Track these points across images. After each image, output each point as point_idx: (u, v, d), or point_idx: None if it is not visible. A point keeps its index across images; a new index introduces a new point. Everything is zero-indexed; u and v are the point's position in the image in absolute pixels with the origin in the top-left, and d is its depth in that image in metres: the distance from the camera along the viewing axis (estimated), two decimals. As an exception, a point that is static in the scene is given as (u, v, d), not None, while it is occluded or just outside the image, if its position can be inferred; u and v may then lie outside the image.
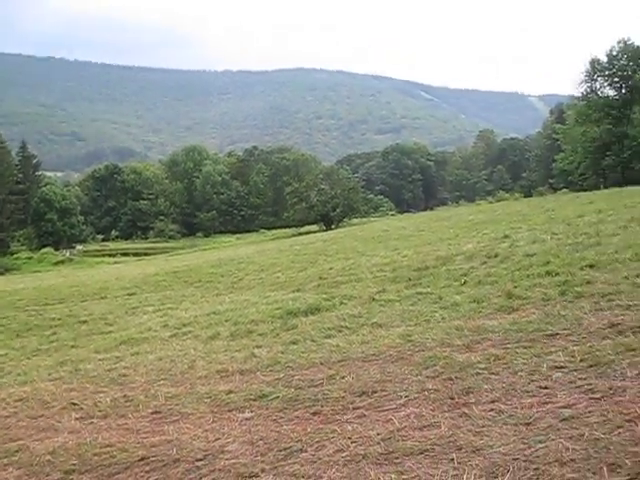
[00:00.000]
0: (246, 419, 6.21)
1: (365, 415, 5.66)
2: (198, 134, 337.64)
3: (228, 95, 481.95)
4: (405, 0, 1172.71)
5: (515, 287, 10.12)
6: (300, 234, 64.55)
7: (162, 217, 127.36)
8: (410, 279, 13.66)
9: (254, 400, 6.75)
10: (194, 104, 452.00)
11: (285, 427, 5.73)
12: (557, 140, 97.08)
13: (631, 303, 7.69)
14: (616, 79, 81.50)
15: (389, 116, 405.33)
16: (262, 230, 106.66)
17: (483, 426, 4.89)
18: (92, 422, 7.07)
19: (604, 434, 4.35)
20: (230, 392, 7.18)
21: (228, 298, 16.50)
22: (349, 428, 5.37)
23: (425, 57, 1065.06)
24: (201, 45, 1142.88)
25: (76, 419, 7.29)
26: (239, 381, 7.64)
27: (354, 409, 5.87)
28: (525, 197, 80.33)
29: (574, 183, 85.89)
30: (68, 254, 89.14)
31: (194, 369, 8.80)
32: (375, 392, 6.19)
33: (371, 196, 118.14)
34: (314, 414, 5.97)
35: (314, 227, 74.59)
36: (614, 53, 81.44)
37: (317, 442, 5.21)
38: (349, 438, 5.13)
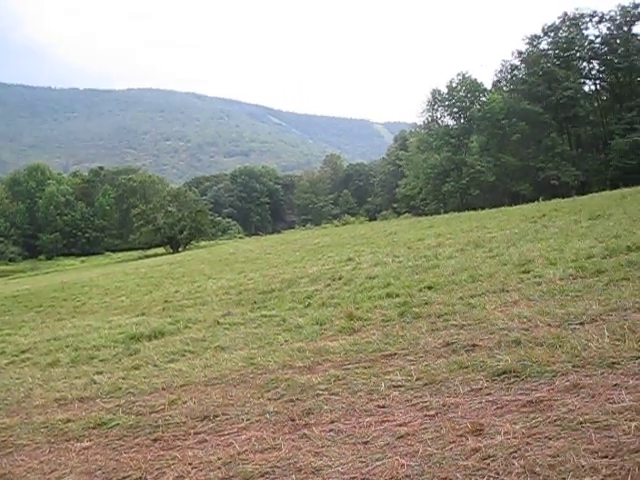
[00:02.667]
0: (84, 448, 6.01)
1: (206, 440, 5.60)
2: (43, 152, 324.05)
3: (74, 113, 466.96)
4: (255, 25, 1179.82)
5: (357, 309, 10.34)
6: (147, 257, 63.39)
7: (2, 239, 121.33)
8: (255, 302, 13.72)
9: (93, 428, 6.55)
10: (39, 122, 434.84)
11: (125, 455, 5.58)
12: (400, 166, 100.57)
13: (465, 323, 8.03)
14: (455, 109, 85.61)
15: (238, 139, 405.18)
16: (108, 253, 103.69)
17: (323, 446, 4.94)
18: None
19: (437, 449, 4.51)
20: (68, 421, 6.93)
21: (70, 323, 15.97)
22: (190, 454, 5.30)
23: (274, 82, 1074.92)
24: (48, 61, 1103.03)
25: None
26: (78, 409, 7.39)
27: (195, 434, 5.80)
28: (370, 221, 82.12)
29: (416, 207, 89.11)
30: None
31: (31, 398, 8.45)
32: (217, 416, 6.15)
33: (219, 219, 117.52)
34: (155, 441, 5.85)
35: (161, 250, 73.52)
36: (454, 85, 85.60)
37: (157, 469, 5.11)
38: (190, 464, 5.07)
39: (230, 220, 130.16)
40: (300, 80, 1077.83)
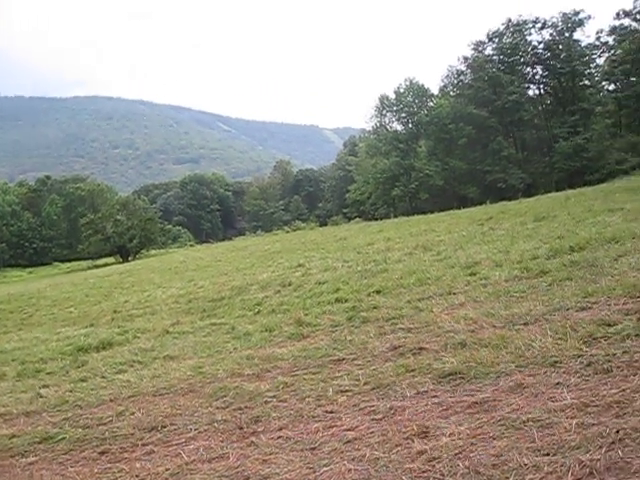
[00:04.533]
0: (29, 464, 5.91)
1: (154, 451, 5.56)
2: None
3: (20, 122, 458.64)
4: (202, 31, 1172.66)
5: (306, 315, 10.37)
6: (96, 266, 62.69)
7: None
8: (205, 310, 13.68)
9: (39, 443, 6.44)
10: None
11: (71, 469, 5.51)
12: (350, 171, 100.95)
13: (412, 326, 8.10)
14: (403, 115, 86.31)
15: (187, 146, 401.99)
16: (56, 263, 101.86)
17: (270, 454, 4.94)
18: None
19: (384, 453, 4.54)
20: (13, 436, 6.80)
21: (16, 336, 15.71)
22: (137, 466, 5.25)
23: (223, 89, 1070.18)
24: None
25: None
26: (24, 424, 7.26)
27: (143, 445, 5.75)
28: (320, 226, 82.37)
29: (366, 212, 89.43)
30: None
31: (-25, 414, 8.27)
32: (165, 427, 6.10)
33: (169, 227, 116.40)
34: (102, 453, 5.78)
35: (111, 259, 72.69)
36: (401, 90, 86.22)
37: (104, 483, 5.05)
38: (137, 476, 5.03)
39: (180, 228, 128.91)
40: (249, 86, 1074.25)
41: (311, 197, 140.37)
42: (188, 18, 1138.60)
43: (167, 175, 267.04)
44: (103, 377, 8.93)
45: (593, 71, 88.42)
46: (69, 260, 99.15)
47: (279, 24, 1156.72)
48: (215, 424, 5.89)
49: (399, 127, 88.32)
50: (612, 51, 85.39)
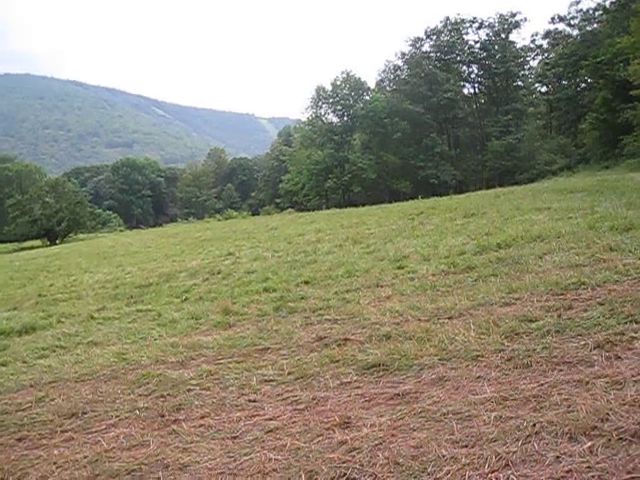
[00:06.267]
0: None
1: (73, 438, 5.43)
2: None
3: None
4: (139, 14, 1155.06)
5: (233, 303, 10.32)
6: (22, 249, 61.16)
7: None
8: (132, 296, 13.48)
9: (-47, 428, 6.26)
10: None
11: (-14, 456, 5.36)
12: (284, 162, 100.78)
13: (338, 317, 8.14)
14: (339, 107, 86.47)
15: (121, 130, 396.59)
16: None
17: (191, 442, 4.90)
18: None
19: (305, 443, 4.55)
20: None
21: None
22: (55, 452, 5.13)
23: (159, 73, 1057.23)
24: None
25: None
26: (-61, 410, 7.04)
27: (62, 432, 5.61)
28: (253, 215, 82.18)
29: (299, 203, 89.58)
30: None
31: None
32: (85, 413, 5.99)
33: (99, 211, 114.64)
34: (19, 440, 5.62)
35: (38, 242, 71.09)
36: (338, 83, 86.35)
37: (20, 470, 4.90)
38: (54, 463, 4.90)
39: (111, 212, 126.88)
40: (185, 72, 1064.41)
41: (244, 186, 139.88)
42: (126, 1, 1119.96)
43: (99, 158, 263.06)
44: (24, 362, 8.70)
45: (527, 73, 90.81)
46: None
47: (218, 12, 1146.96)
48: (137, 411, 5.80)
49: (335, 119, 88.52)
50: (546, 54, 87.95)
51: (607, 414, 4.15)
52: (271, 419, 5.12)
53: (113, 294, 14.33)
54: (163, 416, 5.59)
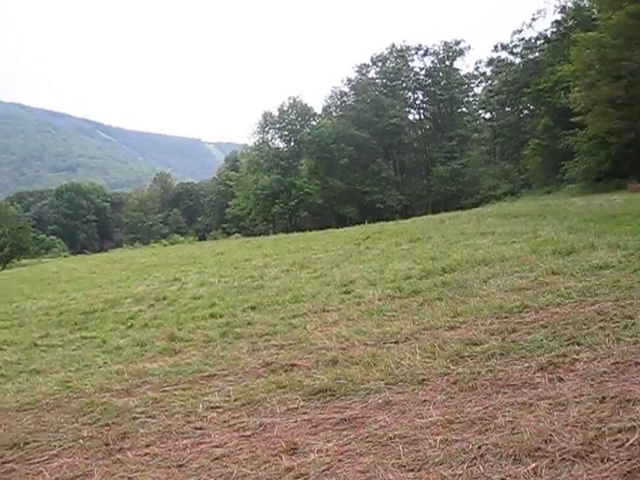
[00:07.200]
0: None
1: (15, 469, 5.31)
2: None
3: None
4: (83, 37, 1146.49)
5: (179, 329, 10.24)
6: (-39, 275, 59.82)
7: None
8: (76, 323, 13.28)
9: None
10: None
11: None
12: (231, 186, 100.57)
13: (285, 343, 8.13)
14: (286, 132, 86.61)
15: (65, 154, 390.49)
16: None
17: (137, 471, 4.84)
18: None
19: (252, 470, 4.52)
20: None
21: None
22: (-4, 485, 5.03)
23: (104, 96, 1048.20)
24: None
25: None
26: None
27: (3, 463, 5.48)
28: (199, 240, 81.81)
29: (246, 228, 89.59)
30: None
31: None
32: (27, 443, 5.85)
33: (43, 236, 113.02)
34: (-42, 472, 5.49)
35: (-22, 268, 69.63)
36: (284, 108, 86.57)
37: (-42, 503, 4.81)
38: (-6, 496, 4.81)
39: (55, 238, 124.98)
40: (131, 95, 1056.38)
41: (191, 211, 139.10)
42: (69, 23, 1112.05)
43: (43, 182, 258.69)
44: (-37, 391, 8.50)
45: (471, 99, 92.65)
46: None
47: (163, 37, 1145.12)
48: (80, 441, 5.69)
49: (281, 144, 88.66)
50: (489, 81, 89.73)
51: (550, 435, 4.22)
52: (217, 446, 5.08)
53: (57, 321, 14.09)
54: (108, 445, 5.50)
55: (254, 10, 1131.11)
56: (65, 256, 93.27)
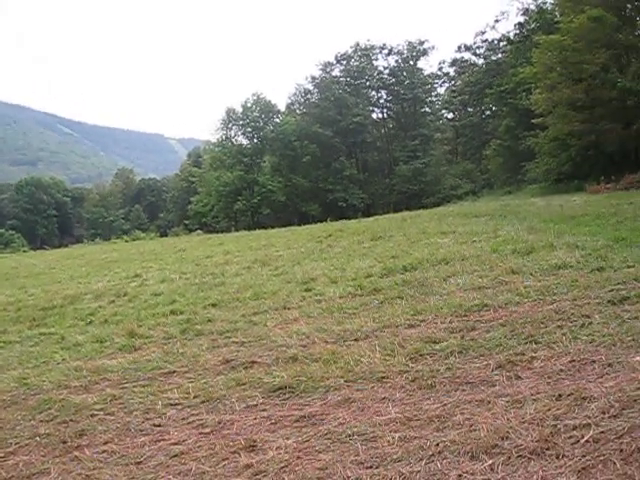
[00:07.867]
0: None
1: (-30, 468, 5.25)
2: None
3: None
4: (43, 28, 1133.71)
5: (139, 326, 10.16)
6: None
7: None
8: (34, 319, 13.08)
9: None
10: None
11: None
12: (193, 183, 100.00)
13: (245, 340, 8.13)
14: (249, 129, 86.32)
15: (25, 147, 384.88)
16: None
17: (94, 469, 4.81)
18: None
19: (210, 467, 4.54)
20: None
21: None
22: (-50, 483, 4.95)
23: (66, 89, 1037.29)
24: None
25: None
26: None
27: (-42, 462, 5.41)
28: (161, 237, 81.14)
29: (208, 225, 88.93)
30: None
31: None
32: (-18, 442, 5.78)
33: (2, 231, 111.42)
34: None
35: None
36: (248, 105, 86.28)
37: None
38: (-52, 496, 4.74)
39: (14, 232, 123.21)
40: (93, 89, 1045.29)
41: (153, 207, 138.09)
42: (32, 15, 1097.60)
43: (2, 177, 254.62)
44: None
45: (434, 99, 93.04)
46: None
47: (125, 31, 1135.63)
48: (37, 438, 5.63)
49: (244, 141, 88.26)
50: (452, 82, 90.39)
51: (507, 432, 4.28)
52: (176, 443, 5.08)
53: (15, 317, 13.89)
54: (65, 442, 5.45)
55: (220, 6, 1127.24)
56: (24, 251, 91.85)
